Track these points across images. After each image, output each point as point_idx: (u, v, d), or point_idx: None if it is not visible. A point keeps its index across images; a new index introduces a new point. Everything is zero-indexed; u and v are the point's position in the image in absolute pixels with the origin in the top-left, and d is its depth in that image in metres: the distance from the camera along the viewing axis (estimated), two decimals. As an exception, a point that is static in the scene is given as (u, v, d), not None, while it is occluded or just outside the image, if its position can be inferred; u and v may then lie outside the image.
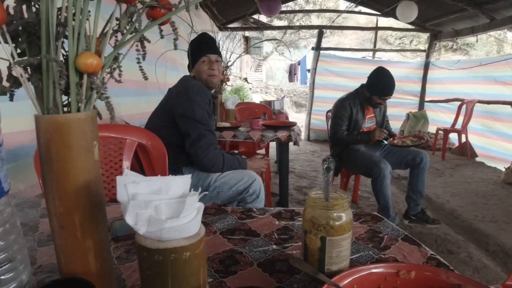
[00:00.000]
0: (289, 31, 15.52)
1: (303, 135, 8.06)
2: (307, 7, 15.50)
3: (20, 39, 0.57)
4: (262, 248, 0.87)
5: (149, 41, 0.65)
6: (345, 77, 7.77)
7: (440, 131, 6.24)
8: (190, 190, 0.56)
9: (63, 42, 0.57)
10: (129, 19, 0.62)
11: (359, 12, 8.45)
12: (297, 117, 11.33)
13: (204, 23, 6.07)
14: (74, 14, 0.55)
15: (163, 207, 0.50)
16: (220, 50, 2.38)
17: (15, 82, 0.59)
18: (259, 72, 18.51)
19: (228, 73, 4.43)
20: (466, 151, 6.11)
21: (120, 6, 0.60)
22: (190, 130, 2.00)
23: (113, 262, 0.75)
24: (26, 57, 0.56)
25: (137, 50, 0.64)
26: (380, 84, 3.06)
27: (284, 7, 7.59)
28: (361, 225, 1.01)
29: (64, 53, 0.58)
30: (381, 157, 3.15)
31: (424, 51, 8.16)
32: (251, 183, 2.03)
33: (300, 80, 13.54)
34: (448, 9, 6.26)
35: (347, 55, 8.45)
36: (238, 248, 0.87)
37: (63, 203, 0.55)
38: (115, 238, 0.90)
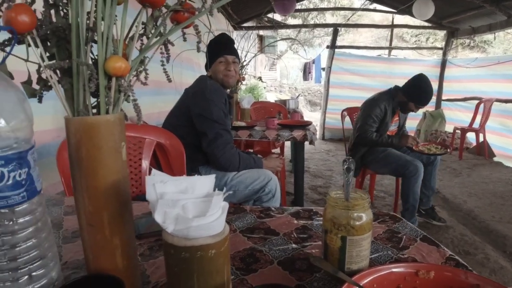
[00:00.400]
0: (303, 29, 15.45)
1: (318, 134, 8.04)
2: (322, 5, 15.43)
3: (49, 43, 0.60)
4: (282, 247, 0.88)
5: (173, 44, 0.67)
6: (360, 75, 7.72)
7: (457, 130, 6.16)
8: (214, 190, 0.57)
9: (91, 46, 0.59)
10: (154, 23, 0.64)
11: (375, 10, 8.36)
12: (312, 116, 11.29)
13: (219, 23, 6.10)
14: (102, 19, 0.57)
15: (190, 206, 0.52)
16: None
17: (45, 85, 0.61)
18: (273, 71, 18.49)
19: (244, 73, 4.45)
20: (483, 150, 6.02)
21: (146, 11, 0.62)
22: (207, 130, 2.02)
23: (137, 259, 0.77)
24: (56, 61, 0.58)
25: (161, 53, 0.66)
26: (422, 92, 3.00)
27: (298, 6, 7.57)
28: (380, 225, 1.01)
29: (92, 57, 0.60)
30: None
31: (441, 48, 8.05)
32: (267, 182, 2.05)
33: (315, 78, 13.52)
34: (465, 6, 6.16)
35: (362, 53, 8.38)
36: (258, 247, 0.88)
37: (92, 202, 0.57)
38: (138, 236, 0.92)
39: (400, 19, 8.07)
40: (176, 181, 0.54)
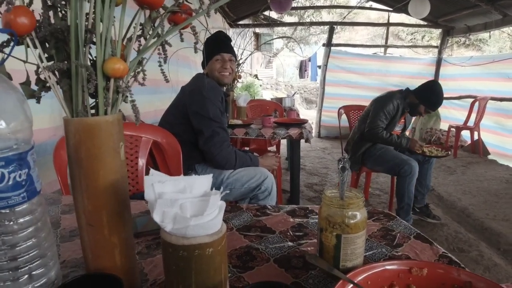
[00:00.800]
0: (299, 27, 15.45)
1: (313, 132, 8.05)
2: (318, 3, 15.40)
3: (48, 45, 0.60)
4: (278, 245, 0.89)
5: (170, 45, 0.67)
6: (356, 73, 7.74)
7: (452, 129, 6.20)
8: (211, 189, 0.58)
9: (90, 48, 0.60)
10: (152, 25, 0.64)
11: (371, 8, 8.37)
12: (308, 114, 11.32)
13: (215, 21, 6.09)
14: (101, 20, 0.58)
15: (188, 205, 0.53)
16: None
17: (44, 86, 0.61)
18: (269, 68, 18.48)
19: (240, 70, 4.45)
20: (478, 148, 6.06)
21: (144, 12, 0.63)
22: (203, 128, 2.03)
23: (136, 258, 0.78)
24: (55, 62, 0.59)
25: (159, 54, 0.66)
26: (436, 97, 3.03)
27: (294, 3, 7.58)
28: (374, 223, 1.03)
29: (91, 58, 0.61)
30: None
31: (436, 47, 8.07)
32: (263, 180, 2.06)
33: (311, 76, 13.51)
34: (460, 5, 6.20)
35: (358, 51, 8.40)
36: (254, 245, 0.89)
37: (92, 202, 0.58)
38: (136, 234, 0.92)
39: (396, 17, 8.11)
40: (174, 181, 0.55)
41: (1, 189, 0.50)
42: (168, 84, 3.84)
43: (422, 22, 7.77)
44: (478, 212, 3.58)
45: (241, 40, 5.18)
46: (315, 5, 14.07)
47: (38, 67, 0.59)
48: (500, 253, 2.83)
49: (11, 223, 0.52)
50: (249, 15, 8.20)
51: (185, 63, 4.60)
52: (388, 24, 8.65)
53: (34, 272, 0.56)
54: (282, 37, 13.84)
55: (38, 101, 0.63)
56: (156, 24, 0.64)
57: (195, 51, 0.69)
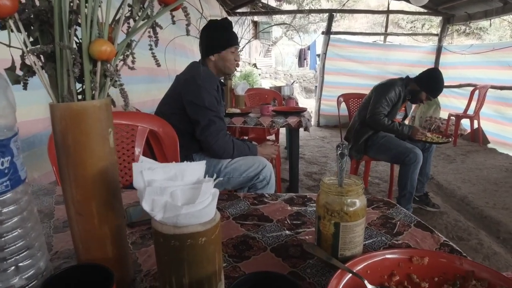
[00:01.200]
0: (298, 15, 15.31)
1: (313, 121, 8.03)
2: (317, -9, 15.30)
3: (32, 27, 0.57)
4: (275, 234, 0.88)
5: (161, 27, 0.64)
6: (355, 61, 7.68)
7: (452, 117, 6.17)
8: (204, 176, 0.56)
9: (75, 30, 0.57)
10: (141, 5, 0.62)
11: (370, -5, 8.29)
12: (307, 103, 11.27)
13: (213, 8, 6.02)
14: (86, 1, 0.55)
15: (179, 193, 0.50)
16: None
17: (29, 71, 0.59)
18: (268, 57, 18.38)
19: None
20: (478, 137, 6.04)
21: (132, -8, 0.60)
22: (199, 117, 2.00)
23: (128, 248, 0.76)
24: (39, 45, 0.56)
25: (149, 36, 0.64)
26: (437, 84, 3.03)
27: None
28: (374, 211, 1.01)
29: (77, 41, 0.58)
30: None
31: (436, 35, 8.00)
32: (262, 169, 2.04)
33: (310, 65, 13.45)
34: (461, -8, 6.13)
35: (358, 39, 8.32)
36: (251, 234, 0.87)
37: (80, 191, 0.56)
38: (130, 224, 0.91)
39: (396, 4, 8.00)
40: (165, 168, 0.53)
41: (-18, 178, 0.48)
42: (165, 73, 3.81)
43: (422, 10, 7.68)
44: (477, 200, 3.58)
45: (239, 28, 5.12)
46: (314, -8, 13.95)
47: (23, 51, 0.56)
48: (499, 242, 2.83)
49: (-5, 213, 0.50)
50: (247, 3, 8.11)
51: (182, 52, 4.55)
52: (388, 12, 8.54)
53: (21, 264, 0.54)
54: (280, 24, 13.71)
55: (25, 87, 0.60)
56: (145, 5, 0.61)
57: (187, 34, 0.66)
